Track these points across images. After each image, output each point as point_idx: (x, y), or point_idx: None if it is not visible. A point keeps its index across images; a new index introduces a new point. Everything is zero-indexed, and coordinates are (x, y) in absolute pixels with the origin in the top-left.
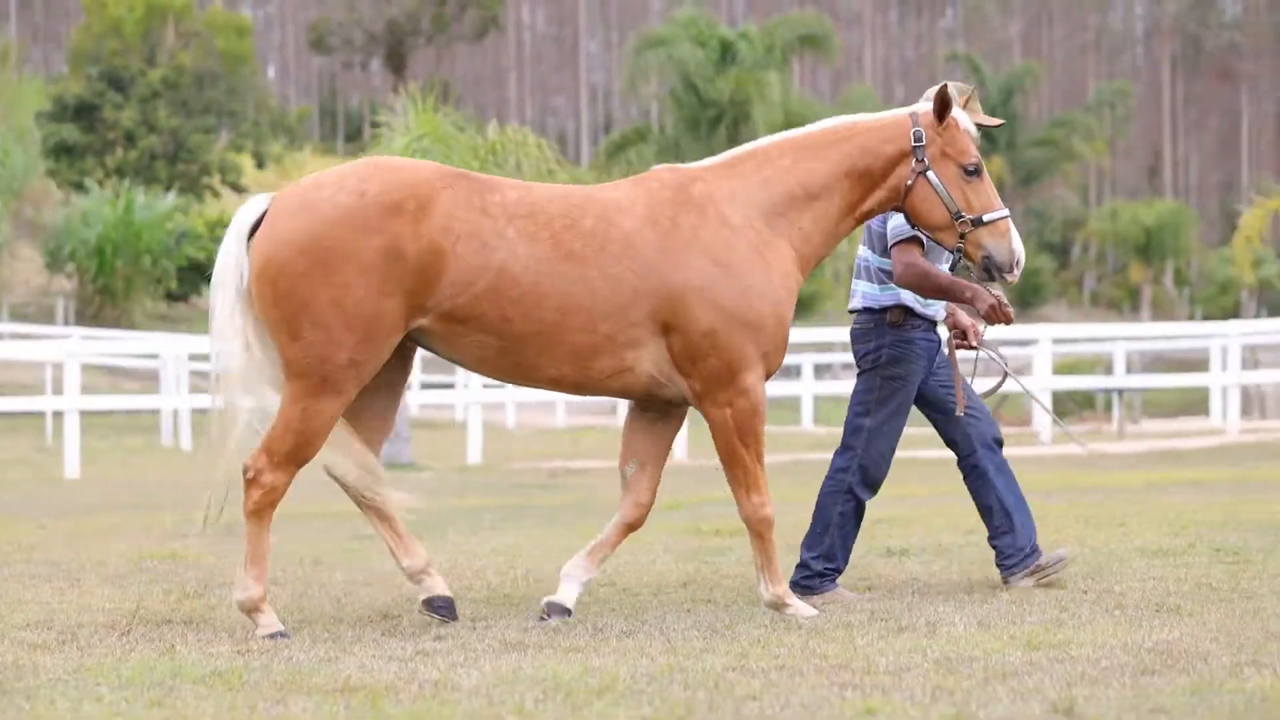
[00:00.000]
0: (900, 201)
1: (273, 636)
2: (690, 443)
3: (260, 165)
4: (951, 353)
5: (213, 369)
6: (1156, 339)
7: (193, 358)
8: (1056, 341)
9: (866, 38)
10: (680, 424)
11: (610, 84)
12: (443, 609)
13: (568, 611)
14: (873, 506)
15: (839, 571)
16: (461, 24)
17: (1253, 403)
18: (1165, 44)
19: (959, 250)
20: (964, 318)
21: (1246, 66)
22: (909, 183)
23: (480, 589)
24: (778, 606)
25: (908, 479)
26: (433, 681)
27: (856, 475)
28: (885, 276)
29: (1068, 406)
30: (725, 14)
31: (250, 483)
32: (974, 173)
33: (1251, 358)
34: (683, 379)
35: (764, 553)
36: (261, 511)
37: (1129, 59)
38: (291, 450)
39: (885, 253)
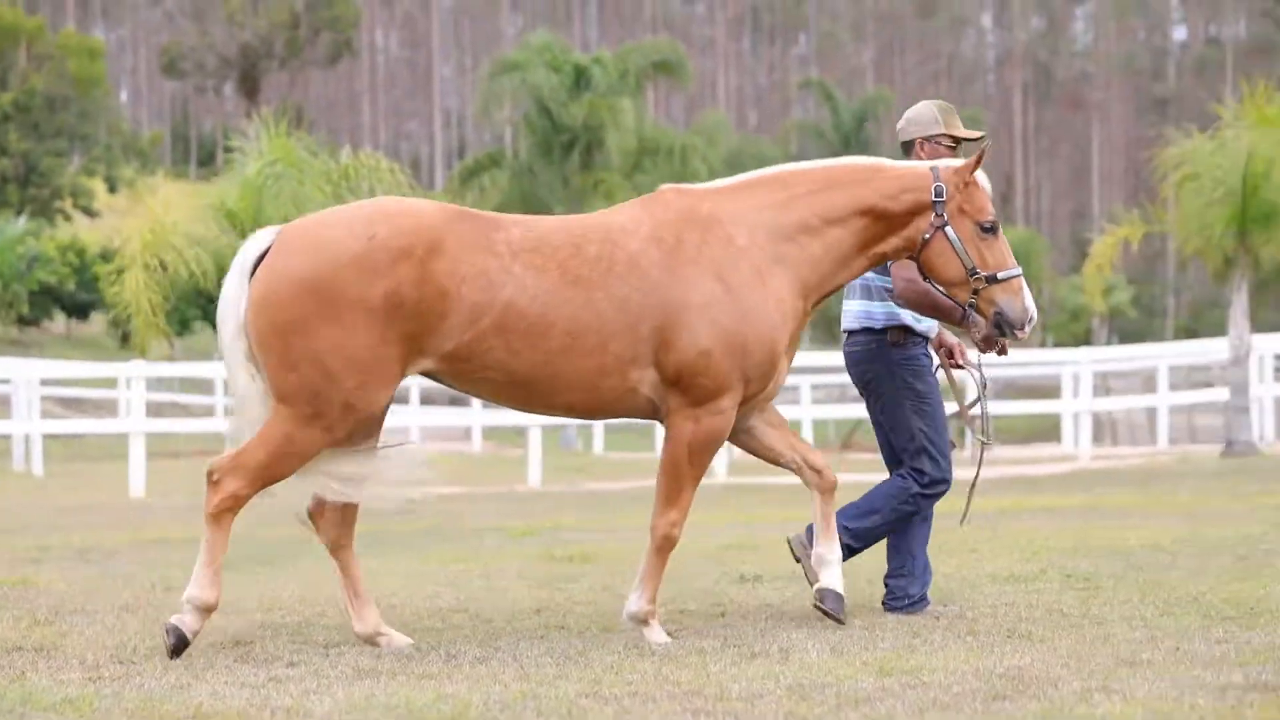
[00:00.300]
0: (916, 253)
1: (177, 640)
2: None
3: (112, 189)
4: (949, 375)
5: (230, 398)
6: (1009, 365)
7: (44, 383)
8: None
9: (720, 64)
10: (772, 397)
11: (464, 109)
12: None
13: (840, 598)
14: (725, 532)
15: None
16: (315, 48)
17: (1104, 429)
18: (1016, 72)
19: (971, 305)
20: (949, 337)
21: (1097, 95)
22: (926, 236)
23: (334, 615)
24: (640, 621)
25: (764, 504)
26: (285, 708)
27: (920, 487)
28: (887, 294)
29: None
30: (579, 40)
31: (214, 485)
32: (990, 230)
33: (1103, 385)
34: (667, 392)
35: (654, 569)
36: (220, 516)
37: (980, 87)
38: (261, 466)
39: (887, 270)
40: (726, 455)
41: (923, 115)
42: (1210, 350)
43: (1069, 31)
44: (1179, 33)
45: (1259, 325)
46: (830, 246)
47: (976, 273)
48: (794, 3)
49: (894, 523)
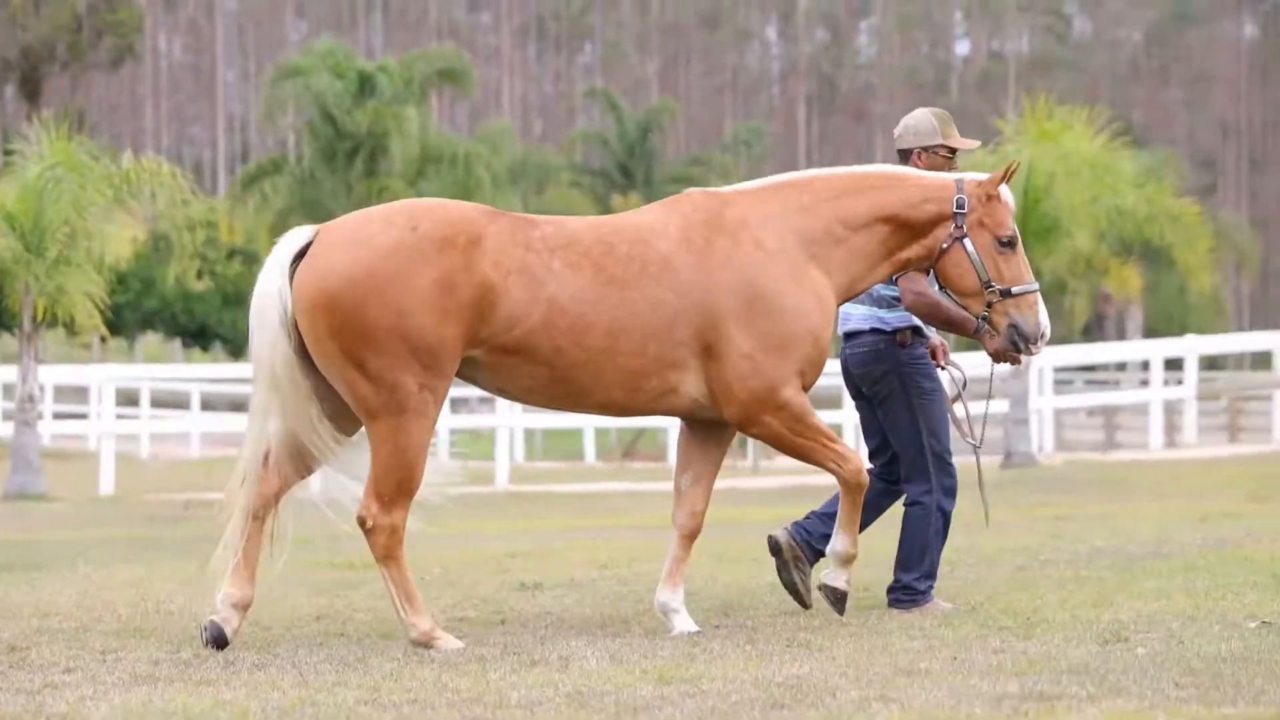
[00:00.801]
0: (933, 262)
1: (459, 650)
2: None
3: None
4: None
5: (253, 401)
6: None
7: None
8: None
9: (505, 73)
10: (732, 436)
11: (248, 114)
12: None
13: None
14: (506, 540)
15: (933, 586)
16: (98, 52)
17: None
18: (801, 84)
19: (984, 318)
20: (935, 337)
21: (880, 107)
22: (945, 245)
23: (111, 621)
24: (843, 562)
25: (546, 512)
26: (61, 715)
27: (940, 493)
28: (895, 302)
29: None
30: (364, 46)
31: (370, 532)
32: (1008, 245)
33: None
34: (719, 403)
35: (850, 511)
36: (393, 553)
37: (765, 98)
38: (397, 487)
39: (893, 282)
40: (509, 462)
41: (922, 125)
42: (989, 362)
43: (853, 44)
44: (962, 47)
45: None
46: (855, 251)
47: (991, 285)
48: (579, 12)
49: (939, 541)
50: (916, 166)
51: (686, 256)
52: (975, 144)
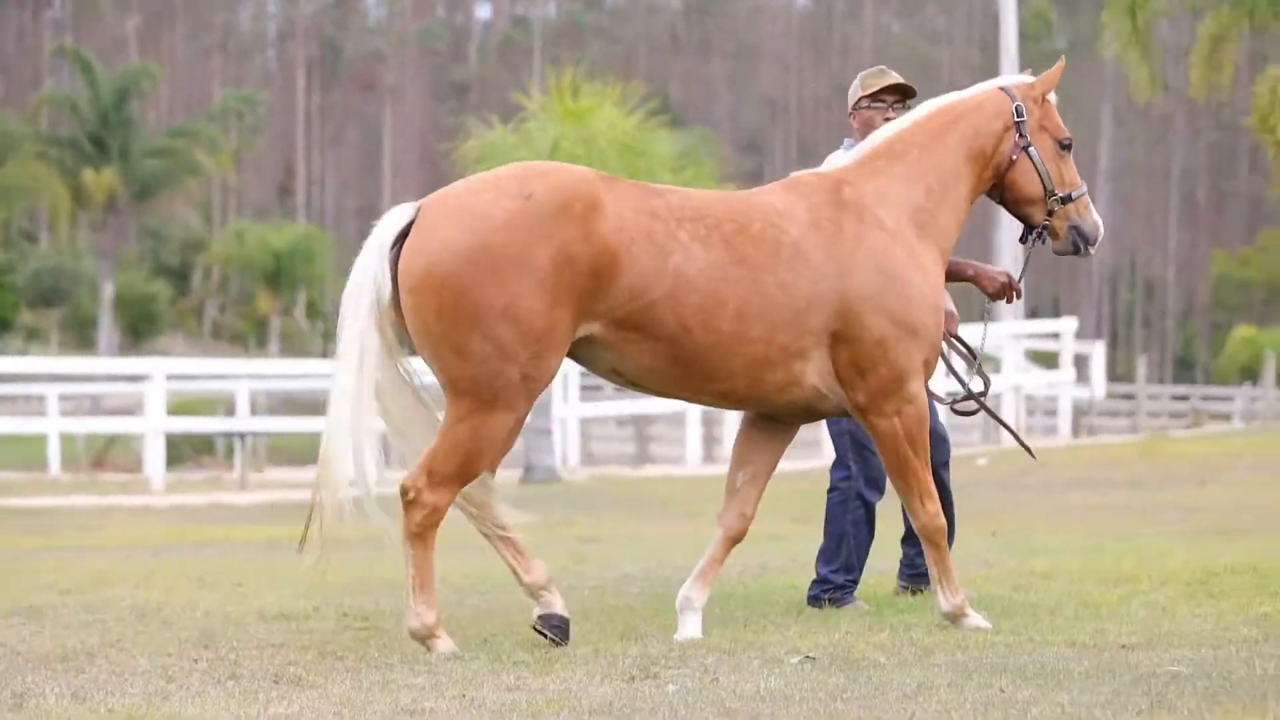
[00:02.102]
0: (1000, 177)
1: (450, 653)
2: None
3: None
4: (952, 345)
5: (341, 382)
6: (285, 377)
7: None
8: (172, 378)
9: None
10: (793, 436)
11: None
12: (557, 628)
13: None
14: None
15: (856, 583)
16: None
17: (391, 451)
18: (300, 48)
19: (1045, 226)
20: (997, 278)
21: (390, 76)
22: (1013, 158)
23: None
24: (956, 618)
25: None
26: None
27: (860, 479)
28: None
29: (184, 452)
30: None
31: (411, 504)
32: (1067, 148)
33: None
34: (846, 390)
35: (941, 563)
36: (425, 533)
37: (260, 63)
38: (456, 470)
39: None
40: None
41: (850, 91)
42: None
43: (360, 5)
44: (482, 11)
45: None
46: (953, 206)
47: (1054, 192)
48: None
49: (861, 533)
50: (852, 129)
51: (816, 240)
52: (891, 81)
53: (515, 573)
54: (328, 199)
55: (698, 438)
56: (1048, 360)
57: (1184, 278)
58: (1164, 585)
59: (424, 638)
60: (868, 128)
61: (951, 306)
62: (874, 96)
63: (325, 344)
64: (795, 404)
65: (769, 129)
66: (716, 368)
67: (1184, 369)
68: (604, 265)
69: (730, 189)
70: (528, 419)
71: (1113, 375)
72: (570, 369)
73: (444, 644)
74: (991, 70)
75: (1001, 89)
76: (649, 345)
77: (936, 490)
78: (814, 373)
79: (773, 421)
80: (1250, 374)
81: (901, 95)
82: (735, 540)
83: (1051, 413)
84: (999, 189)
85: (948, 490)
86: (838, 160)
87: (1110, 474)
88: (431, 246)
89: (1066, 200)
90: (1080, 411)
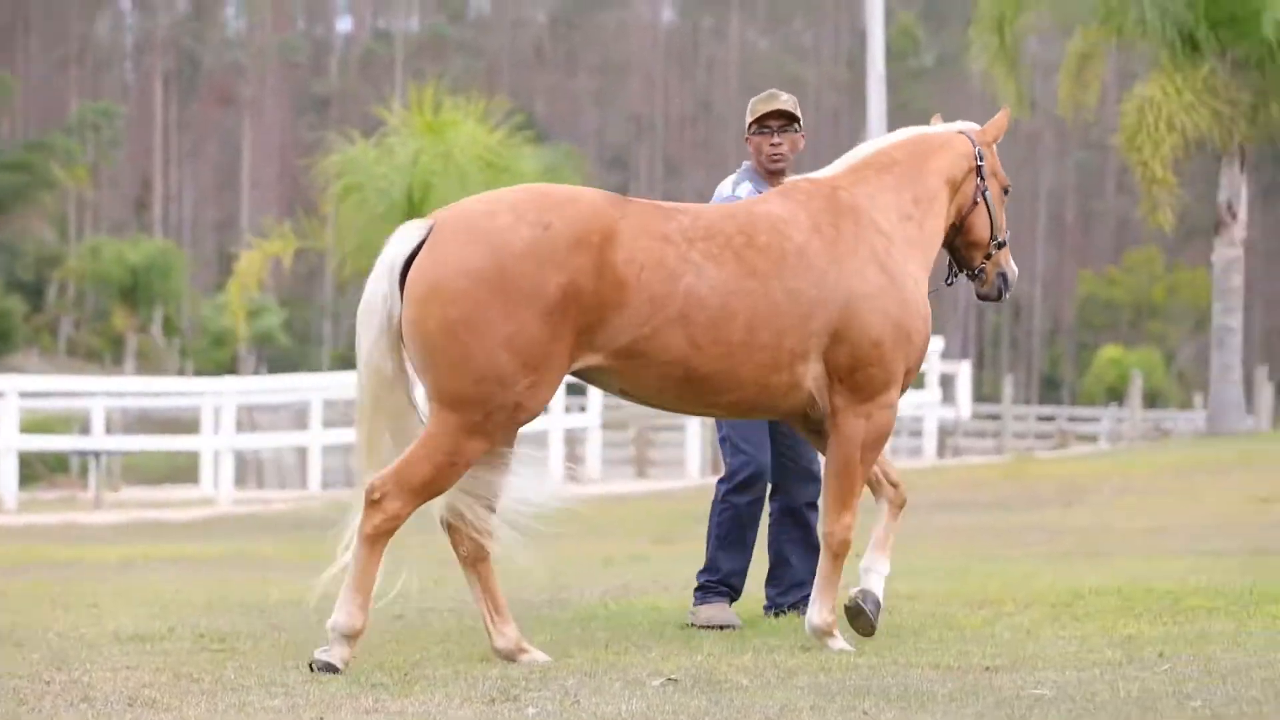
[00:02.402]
0: (962, 218)
1: (326, 667)
2: None
3: None
4: None
5: (358, 402)
6: (141, 395)
7: None
8: (25, 395)
9: None
10: None
11: None
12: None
13: (877, 604)
14: None
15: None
16: None
17: (249, 469)
18: (158, 60)
19: (981, 270)
20: None
21: (250, 89)
22: (975, 200)
23: None
24: (825, 634)
25: None
26: None
27: (727, 483)
28: None
29: (38, 470)
30: None
31: (374, 504)
32: (1007, 194)
33: (248, 419)
34: (829, 391)
35: (830, 577)
36: (378, 538)
37: (117, 75)
38: (424, 482)
39: None
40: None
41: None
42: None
43: (219, 16)
44: (343, 24)
45: None
46: (935, 221)
47: (996, 237)
48: None
49: (718, 531)
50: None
51: (819, 244)
52: (780, 102)
53: (489, 632)
54: (185, 214)
55: (560, 458)
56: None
57: (1051, 297)
58: (1029, 607)
59: (348, 637)
60: (758, 154)
61: None
62: (760, 122)
63: (182, 361)
64: (796, 409)
65: (635, 145)
66: (728, 379)
67: (1050, 389)
68: (610, 298)
69: None
70: None
71: (979, 395)
72: None
73: (340, 651)
74: (858, 87)
75: (962, 132)
76: (656, 369)
77: (804, 528)
78: (810, 376)
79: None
80: (1116, 394)
81: (787, 120)
82: (901, 506)
83: (917, 433)
84: (954, 229)
85: (811, 530)
86: (725, 189)
87: (976, 495)
88: (445, 263)
89: (1000, 245)
90: (946, 432)
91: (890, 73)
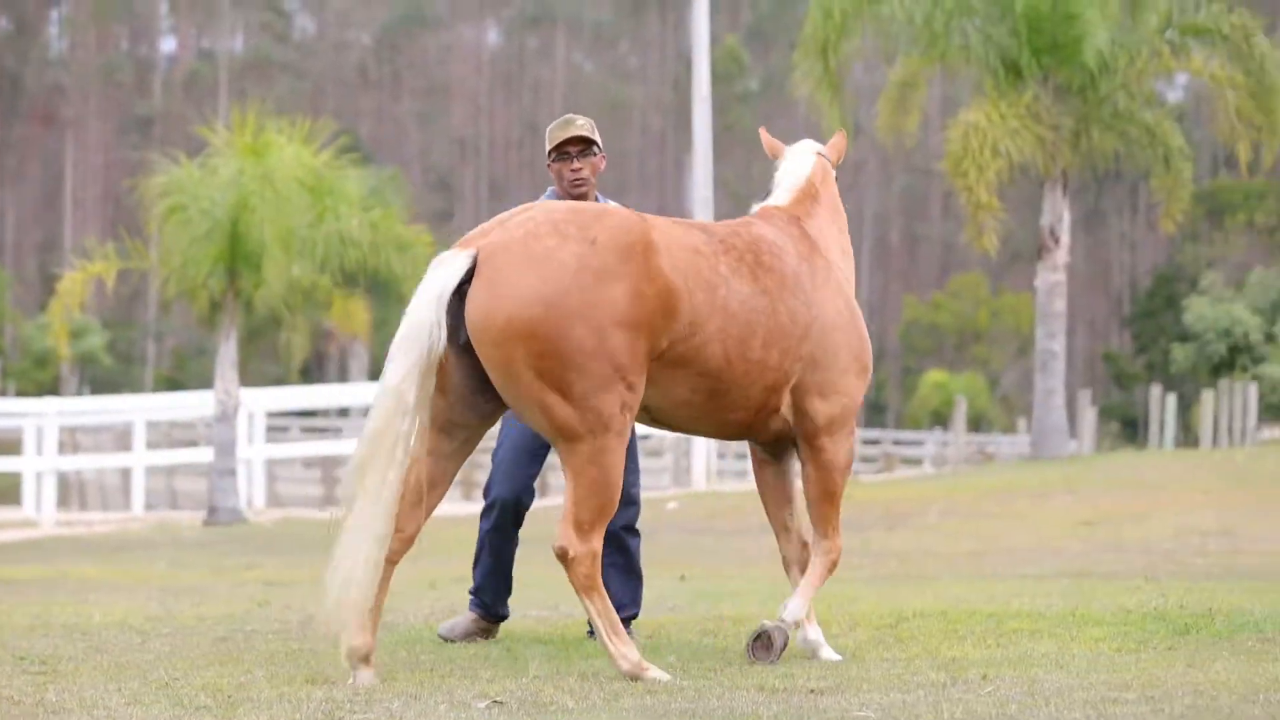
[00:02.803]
0: None
1: (666, 680)
2: None
3: None
4: None
5: (368, 423)
6: None
7: None
8: None
9: None
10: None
11: None
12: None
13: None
14: None
15: (502, 602)
16: None
17: (71, 490)
18: None
19: None
20: None
21: (72, 109)
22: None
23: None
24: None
25: None
26: None
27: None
28: None
29: None
30: None
31: (572, 562)
32: None
33: (70, 440)
34: (802, 418)
35: (816, 586)
36: (594, 583)
37: None
38: (599, 512)
39: None
40: None
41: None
42: (194, 405)
43: (42, 36)
44: (167, 44)
45: (250, 378)
46: (848, 252)
47: None
48: None
49: (483, 555)
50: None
51: (804, 270)
52: (577, 128)
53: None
54: (7, 235)
55: None
56: None
57: (875, 322)
58: (853, 630)
59: (637, 674)
60: (560, 179)
61: None
62: (559, 149)
63: (4, 382)
64: (771, 432)
65: (459, 167)
66: (742, 397)
67: (875, 413)
68: (669, 302)
69: (420, 228)
70: (212, 458)
71: None
72: (256, 408)
73: (654, 671)
74: (684, 110)
75: (820, 153)
76: (691, 380)
77: (624, 553)
78: (785, 401)
79: (774, 453)
80: (941, 419)
81: (585, 145)
82: (804, 568)
83: (744, 455)
84: None
85: (631, 554)
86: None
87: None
88: (510, 295)
89: None
90: None
91: (716, 95)
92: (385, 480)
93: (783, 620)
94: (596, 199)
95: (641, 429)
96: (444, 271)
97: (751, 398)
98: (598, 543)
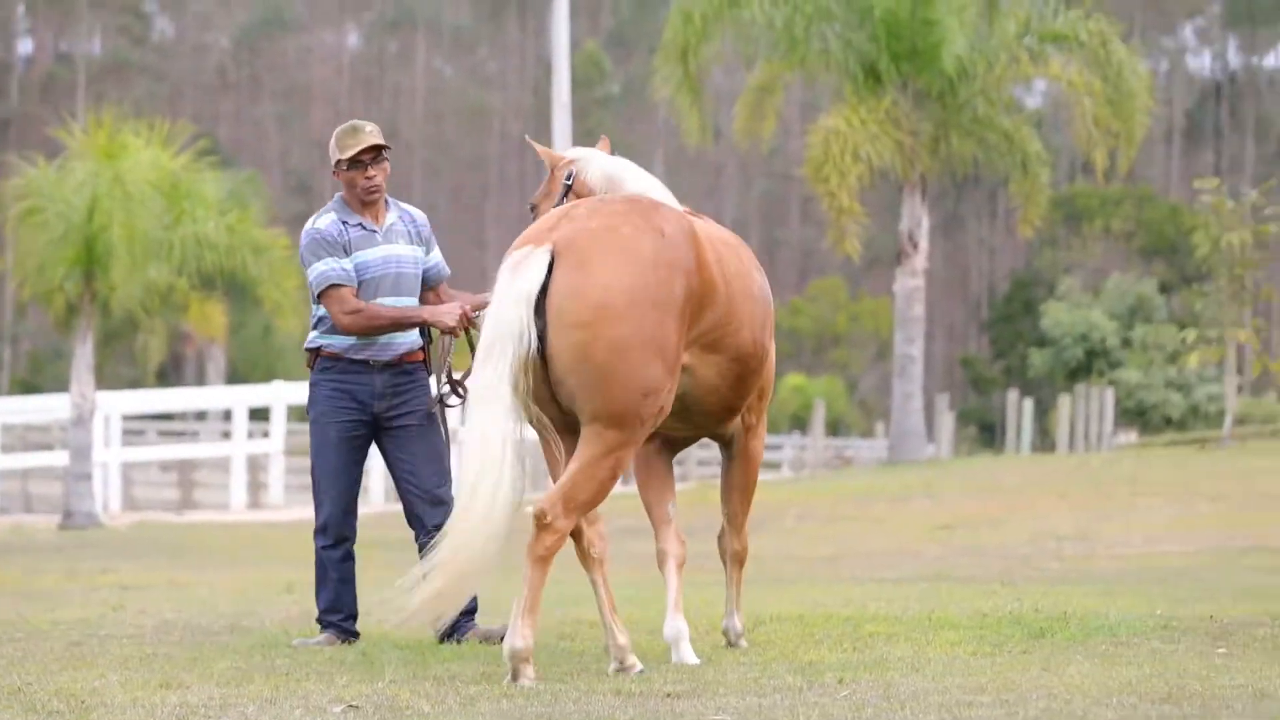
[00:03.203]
0: None
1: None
2: None
3: None
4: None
5: (478, 435)
6: None
7: None
8: None
9: None
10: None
11: None
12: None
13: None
14: None
15: (354, 618)
16: None
17: None
18: None
19: None
20: (446, 319)
21: None
22: None
23: None
24: (740, 637)
25: None
26: None
27: (317, 526)
28: (319, 323)
29: None
30: None
31: (545, 527)
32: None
33: None
34: (751, 410)
35: (740, 585)
36: (549, 557)
37: None
38: (589, 499)
39: (318, 300)
40: None
41: (330, 150)
42: (50, 408)
43: None
44: (24, 45)
45: (107, 381)
46: None
47: None
48: None
49: (323, 575)
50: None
51: (754, 272)
52: (370, 136)
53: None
54: None
55: (243, 484)
56: None
57: None
58: (710, 633)
59: (519, 661)
60: (352, 187)
61: (451, 320)
62: (353, 159)
63: None
64: (723, 431)
65: (319, 170)
66: (746, 388)
67: None
68: (707, 296)
69: (278, 231)
70: (67, 462)
71: None
72: (112, 411)
73: (529, 672)
74: (544, 115)
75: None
76: (721, 366)
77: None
78: None
79: (670, 450)
80: (800, 422)
81: (377, 152)
82: (683, 563)
83: None
84: None
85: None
86: (318, 224)
87: None
88: (601, 283)
89: None
90: None
91: (576, 100)
92: (500, 482)
93: (734, 635)
94: (386, 204)
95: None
96: (529, 270)
97: (749, 390)
98: (571, 526)
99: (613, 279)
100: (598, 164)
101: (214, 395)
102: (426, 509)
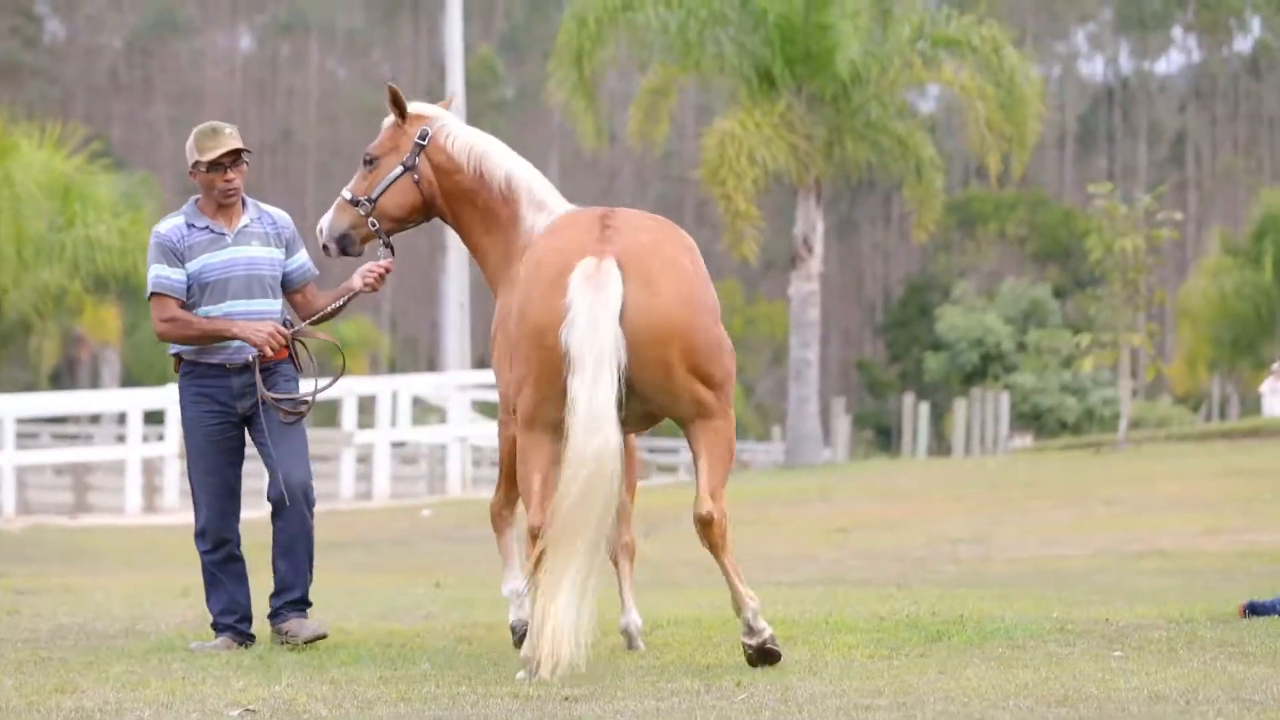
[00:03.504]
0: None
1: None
2: None
3: None
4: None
5: (594, 455)
6: None
7: None
8: None
9: None
10: None
11: None
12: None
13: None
14: None
15: (248, 620)
16: None
17: None
18: None
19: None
20: (254, 337)
21: None
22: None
23: None
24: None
25: None
26: None
27: (196, 533)
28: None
29: None
30: None
31: (713, 525)
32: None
33: None
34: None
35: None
36: (728, 542)
37: None
38: (726, 477)
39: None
40: None
41: (187, 151)
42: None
43: None
44: None
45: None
46: None
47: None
48: None
49: (212, 580)
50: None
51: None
52: (231, 139)
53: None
54: None
55: (138, 487)
56: (495, 411)
57: None
58: (607, 636)
59: (753, 621)
60: (209, 189)
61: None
62: (212, 162)
63: None
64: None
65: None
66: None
67: None
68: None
69: None
70: None
71: None
72: (5, 415)
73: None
74: None
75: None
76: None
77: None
78: None
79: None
80: None
81: (236, 154)
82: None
83: (498, 464)
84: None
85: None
86: (167, 229)
87: None
88: (664, 299)
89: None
90: None
91: (470, 104)
92: (609, 502)
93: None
94: (244, 205)
95: (400, 435)
96: (610, 287)
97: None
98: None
99: (673, 296)
100: (462, 134)
101: (109, 398)
102: (284, 502)
